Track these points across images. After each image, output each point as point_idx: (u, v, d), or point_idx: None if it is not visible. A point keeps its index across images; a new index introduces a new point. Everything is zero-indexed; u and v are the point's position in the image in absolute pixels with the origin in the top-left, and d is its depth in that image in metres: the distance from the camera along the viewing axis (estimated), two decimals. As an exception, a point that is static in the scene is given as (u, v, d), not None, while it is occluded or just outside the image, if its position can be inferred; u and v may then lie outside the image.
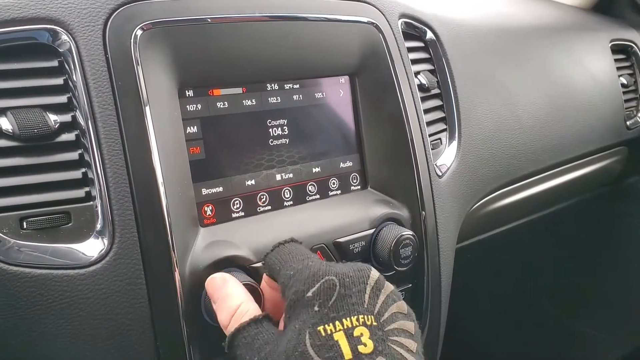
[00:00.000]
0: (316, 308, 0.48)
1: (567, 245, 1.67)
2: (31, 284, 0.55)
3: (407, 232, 0.73)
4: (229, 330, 0.52)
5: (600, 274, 1.65)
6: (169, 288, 0.59)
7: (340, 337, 0.46)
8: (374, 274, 0.51)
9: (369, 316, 0.48)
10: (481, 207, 1.02)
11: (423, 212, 0.80)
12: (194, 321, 0.61)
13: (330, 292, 0.49)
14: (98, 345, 0.58)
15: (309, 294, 0.49)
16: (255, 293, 0.58)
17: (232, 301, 0.54)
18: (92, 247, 0.57)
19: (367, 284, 0.50)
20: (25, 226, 0.56)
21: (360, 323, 0.47)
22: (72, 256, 0.56)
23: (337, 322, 0.47)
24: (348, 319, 0.47)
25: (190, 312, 0.60)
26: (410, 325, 0.49)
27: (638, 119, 1.42)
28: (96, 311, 0.57)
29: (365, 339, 0.46)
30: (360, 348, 0.45)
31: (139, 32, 0.60)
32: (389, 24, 0.81)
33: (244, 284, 0.57)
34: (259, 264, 0.63)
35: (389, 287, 0.51)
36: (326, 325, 0.47)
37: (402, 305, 0.51)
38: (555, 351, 1.72)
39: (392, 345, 0.47)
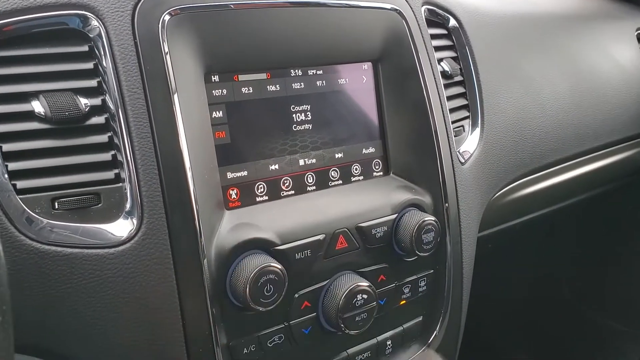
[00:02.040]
0: None
1: (590, 236, 1.65)
2: (62, 262, 0.56)
3: (430, 218, 0.73)
4: None
5: (624, 266, 1.63)
6: (195, 268, 0.60)
7: None
8: None
9: None
10: (503, 196, 1.02)
11: (445, 199, 0.80)
12: (220, 301, 0.62)
13: None
14: (126, 323, 0.59)
15: None
16: (277, 275, 0.60)
17: None
18: (121, 228, 0.59)
19: None
20: (56, 206, 0.57)
21: None
22: (102, 236, 0.58)
23: None
24: None
25: (216, 291, 0.61)
26: None
27: (665, 108, 1.40)
28: (125, 290, 0.58)
29: None
30: None
31: (167, 18, 0.61)
32: (412, 11, 0.81)
33: (264, 267, 0.59)
34: (282, 247, 0.64)
35: None
36: None
37: None
38: (578, 344, 1.70)
39: None
